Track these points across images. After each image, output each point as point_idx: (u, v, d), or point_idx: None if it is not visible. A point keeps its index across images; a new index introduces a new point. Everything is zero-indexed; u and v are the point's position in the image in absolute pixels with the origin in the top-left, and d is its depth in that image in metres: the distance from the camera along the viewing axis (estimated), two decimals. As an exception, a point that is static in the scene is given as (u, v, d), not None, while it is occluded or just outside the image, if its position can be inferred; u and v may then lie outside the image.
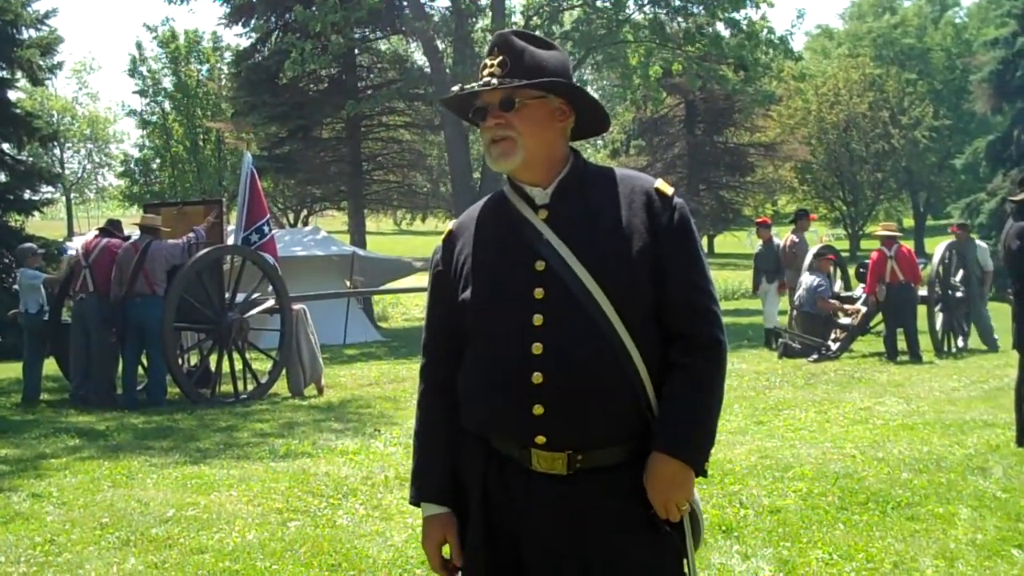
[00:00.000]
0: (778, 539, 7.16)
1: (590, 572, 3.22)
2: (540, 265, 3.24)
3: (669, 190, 3.35)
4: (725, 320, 3.36)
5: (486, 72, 3.28)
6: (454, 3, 32.73)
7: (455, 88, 3.36)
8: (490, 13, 33.49)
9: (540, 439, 3.19)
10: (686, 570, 3.32)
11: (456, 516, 3.43)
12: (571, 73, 3.40)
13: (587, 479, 3.21)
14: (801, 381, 15.66)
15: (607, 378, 3.17)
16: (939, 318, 19.32)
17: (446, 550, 3.44)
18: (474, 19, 34.67)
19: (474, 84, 3.31)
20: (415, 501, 3.51)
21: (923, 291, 19.10)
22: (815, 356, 18.48)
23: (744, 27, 33.51)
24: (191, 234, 15.07)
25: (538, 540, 3.23)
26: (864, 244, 62.40)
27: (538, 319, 3.20)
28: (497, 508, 3.29)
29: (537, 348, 3.18)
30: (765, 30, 33.63)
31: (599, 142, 66.76)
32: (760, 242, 21.63)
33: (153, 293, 14.54)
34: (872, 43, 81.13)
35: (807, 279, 19.51)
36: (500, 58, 3.27)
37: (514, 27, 33.89)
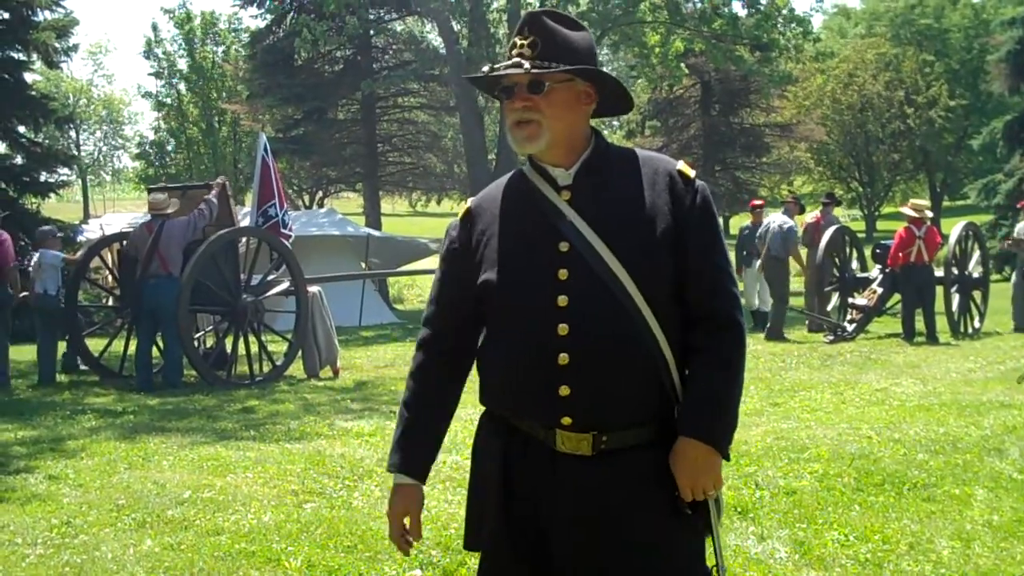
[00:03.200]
0: (794, 520, 7.15)
1: (614, 553, 3.23)
2: (564, 246, 3.24)
3: (691, 172, 3.36)
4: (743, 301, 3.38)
5: (515, 52, 3.27)
6: (470, -17, 32.65)
7: (485, 68, 3.35)
8: (507, -6, 33.41)
9: (566, 420, 3.20)
10: (711, 552, 3.34)
11: (470, 497, 3.47)
12: (596, 53, 3.39)
13: (612, 460, 3.22)
14: (817, 362, 15.63)
15: (632, 359, 3.19)
16: (955, 299, 19.25)
17: (407, 521, 3.48)
18: (490, 1, 34.62)
19: (503, 64, 3.30)
20: (391, 469, 3.52)
21: (939, 272, 19.04)
22: (831, 337, 18.46)
23: (763, 5, 33.38)
24: (203, 205, 15.04)
25: (562, 520, 3.25)
26: (880, 225, 62.29)
27: (563, 300, 3.21)
28: (520, 489, 3.30)
29: (563, 329, 3.19)
30: (786, 8, 33.47)
31: (615, 123, 66.66)
32: (748, 223, 21.65)
33: (169, 274, 14.54)
34: (890, 23, 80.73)
35: (778, 219, 19.43)
36: (531, 38, 3.26)
37: (529, 7, 33.99)
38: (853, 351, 16.82)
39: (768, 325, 19.43)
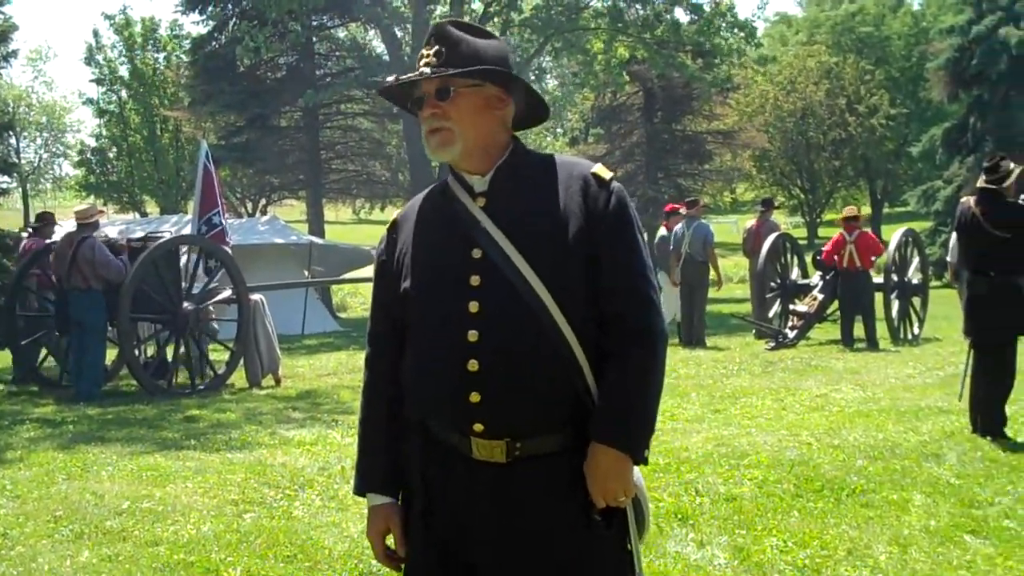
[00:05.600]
0: (733, 526, 7.20)
1: (530, 559, 3.23)
2: (477, 253, 3.25)
3: (607, 174, 3.35)
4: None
5: (423, 62, 3.28)
6: (413, -10, 32.69)
7: (391, 78, 3.37)
8: (449, 0, 33.47)
9: (478, 427, 3.20)
10: (632, 559, 3.33)
11: (401, 506, 3.45)
12: (510, 62, 3.40)
13: (527, 467, 3.21)
14: (758, 369, 15.74)
15: (544, 365, 3.18)
16: (895, 305, 19.42)
17: (390, 540, 3.46)
18: (433, 6, 34.64)
19: (411, 74, 3.32)
20: (359, 491, 3.52)
21: (879, 278, 19.20)
22: (772, 344, 18.57)
23: (706, 11, 33.60)
24: (125, 256, 14.88)
25: (479, 528, 3.24)
26: (822, 231, 62.74)
27: (474, 306, 3.21)
28: (439, 496, 3.30)
29: (473, 336, 3.19)
30: (727, 14, 33.72)
31: (559, 130, 66.73)
32: (664, 230, 20.74)
33: (88, 288, 14.42)
34: (831, 31, 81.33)
35: (695, 228, 19.48)
36: (436, 48, 3.28)
37: (473, 14, 34.01)
38: (794, 357, 16.94)
39: (686, 332, 19.53)
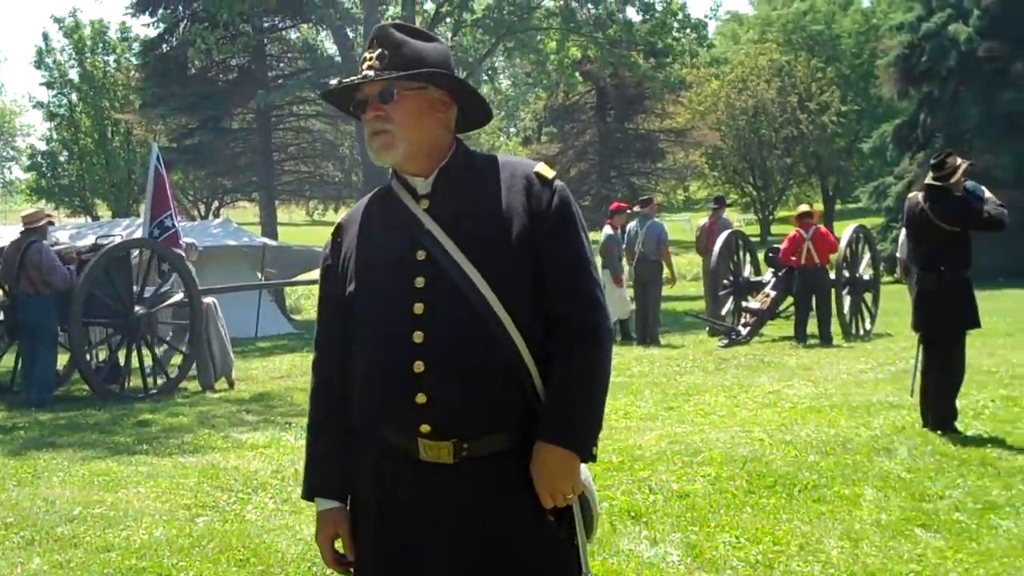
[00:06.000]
0: (686, 524, 7.23)
1: (481, 559, 3.23)
2: (421, 255, 3.26)
3: (550, 173, 3.36)
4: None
5: (365, 65, 3.29)
6: (364, -9, 32.62)
7: (334, 82, 3.38)
8: (401, 1, 33.42)
9: (425, 428, 3.20)
10: (579, 556, 3.33)
11: (350, 509, 3.45)
12: (451, 64, 3.42)
13: (475, 467, 3.22)
14: (711, 366, 15.79)
15: (489, 365, 3.19)
16: (847, 301, 19.53)
17: (339, 544, 3.45)
18: (385, 7, 34.58)
19: (353, 78, 3.32)
20: (307, 496, 3.51)
21: (831, 274, 19.30)
22: (725, 341, 18.64)
23: (658, 11, 33.69)
24: (73, 266, 14.79)
25: (429, 529, 3.24)
26: (775, 228, 63.03)
27: (419, 308, 3.21)
28: (389, 499, 3.30)
29: (418, 337, 3.20)
30: (680, 13, 33.83)
31: (512, 130, 66.81)
32: (610, 228, 20.30)
33: (36, 293, 14.31)
34: (782, 29, 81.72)
35: (649, 227, 19.54)
36: (379, 51, 3.28)
37: (425, 15, 33.94)
38: (747, 354, 17.01)
39: (640, 330, 19.60)
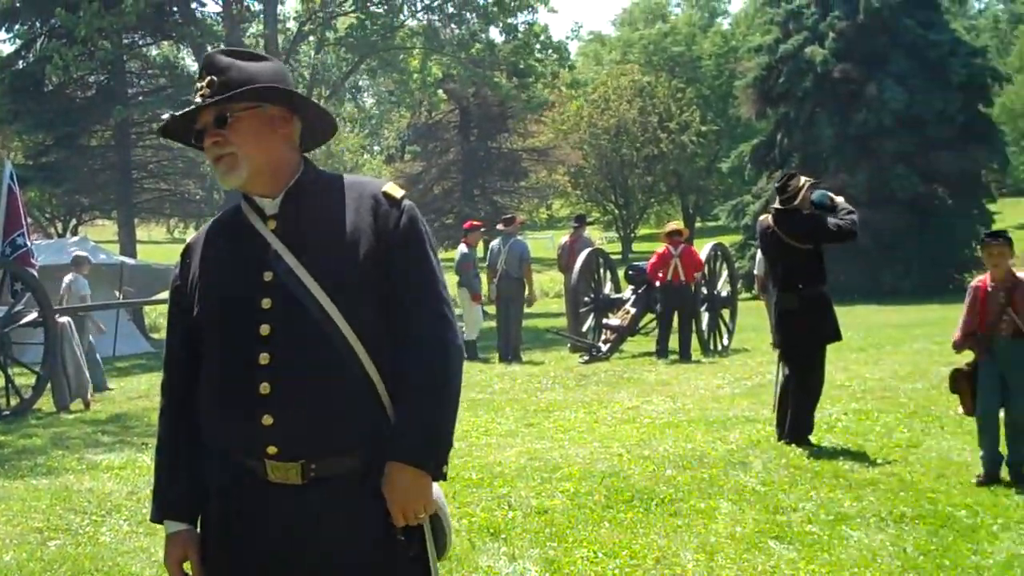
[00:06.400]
0: (545, 539, 7.26)
1: None
2: (268, 275, 3.24)
3: (398, 193, 3.37)
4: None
5: (197, 95, 3.26)
6: (225, 9, 32.35)
7: (165, 116, 3.35)
8: (262, 19, 33.22)
9: (272, 449, 3.18)
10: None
11: (200, 531, 3.42)
12: (288, 80, 3.40)
13: (324, 487, 3.21)
14: (572, 383, 15.87)
15: (336, 385, 3.18)
16: (705, 317, 19.78)
17: (188, 567, 3.41)
18: (246, 25, 34.33)
19: (186, 108, 3.29)
20: (156, 518, 3.47)
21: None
22: (586, 357, 18.75)
23: (521, 32, 33.90)
24: None
25: (278, 551, 3.23)
26: (636, 246, 63.73)
27: (265, 329, 3.19)
28: (237, 520, 3.28)
29: (264, 358, 3.18)
30: (543, 35, 34.11)
31: (376, 148, 66.61)
32: (465, 247, 20.27)
33: None
34: (643, 50, 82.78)
35: (511, 245, 19.63)
36: (208, 78, 3.25)
37: (288, 33, 33.70)
38: (607, 370, 17.11)
39: (503, 347, 19.68)
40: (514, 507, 8.09)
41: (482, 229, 21.03)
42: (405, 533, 3.25)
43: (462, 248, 20.11)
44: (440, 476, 3.29)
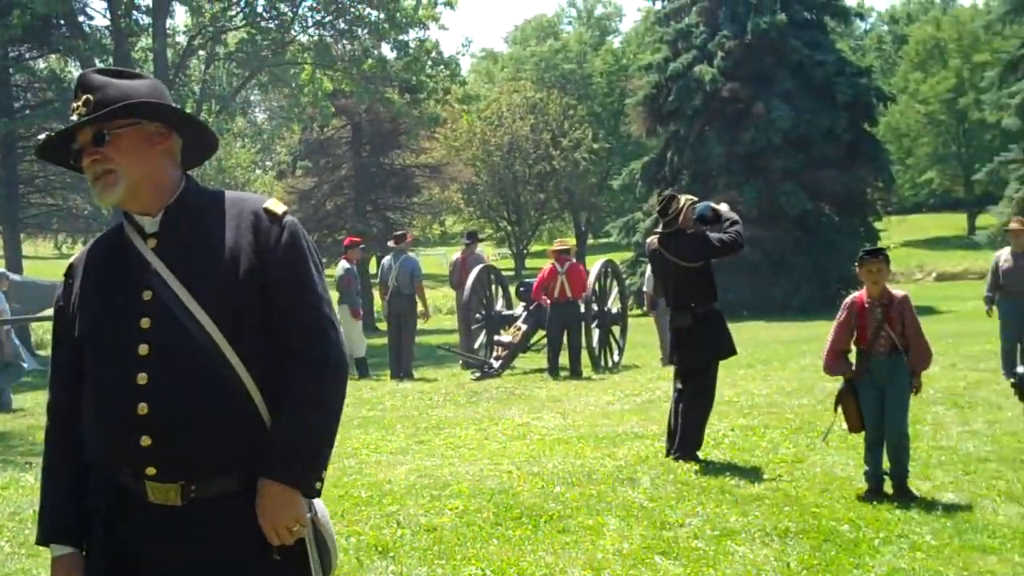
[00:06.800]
0: (433, 557, 7.27)
1: None
2: (148, 295, 3.23)
3: (279, 209, 3.37)
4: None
5: (73, 116, 3.24)
6: (113, 23, 32.02)
7: (41, 136, 3.34)
8: (151, 33, 32.92)
9: (151, 470, 3.17)
10: None
11: (85, 554, 3.38)
12: (165, 97, 3.39)
13: (204, 509, 3.20)
14: (463, 399, 15.88)
15: (216, 405, 3.17)
16: (595, 334, 19.90)
17: None
18: (135, 39, 33.98)
19: (61, 128, 3.29)
20: (41, 541, 3.43)
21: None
22: (478, 374, 18.78)
23: (412, 48, 33.93)
24: None
25: (159, 572, 3.22)
26: (529, 263, 63.93)
27: (143, 349, 3.19)
28: (119, 541, 3.26)
29: (142, 378, 3.17)
30: (434, 51, 34.17)
31: (268, 163, 66.12)
32: (346, 263, 20.00)
33: None
34: (535, 67, 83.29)
35: (402, 262, 19.64)
36: (84, 97, 3.23)
37: (178, 47, 33.41)
38: (499, 387, 17.13)
39: (395, 364, 19.69)
40: (403, 525, 8.09)
41: (362, 245, 20.95)
42: (284, 552, 3.24)
43: (343, 264, 19.89)
44: (313, 493, 3.29)
